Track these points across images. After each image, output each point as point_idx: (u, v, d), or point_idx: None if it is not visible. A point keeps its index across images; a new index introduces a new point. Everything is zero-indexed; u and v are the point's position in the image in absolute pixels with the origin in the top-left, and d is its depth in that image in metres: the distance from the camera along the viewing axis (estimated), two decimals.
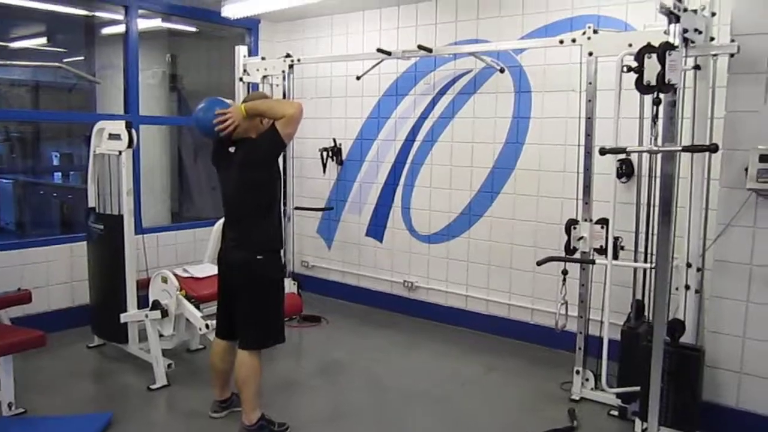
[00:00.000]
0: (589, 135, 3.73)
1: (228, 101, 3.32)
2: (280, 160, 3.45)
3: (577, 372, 3.89)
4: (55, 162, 7.44)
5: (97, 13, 5.76)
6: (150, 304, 4.15)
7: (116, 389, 4.04)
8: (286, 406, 3.77)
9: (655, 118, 2.88)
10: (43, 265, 4.84)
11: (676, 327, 3.24)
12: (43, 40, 6.51)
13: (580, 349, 3.89)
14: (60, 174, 7.61)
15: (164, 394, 3.95)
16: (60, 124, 6.84)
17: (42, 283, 4.81)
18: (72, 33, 6.36)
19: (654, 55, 2.66)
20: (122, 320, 4.19)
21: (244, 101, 3.41)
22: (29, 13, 5.72)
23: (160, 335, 4.13)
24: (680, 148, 2.82)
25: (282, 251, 3.45)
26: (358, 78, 5.43)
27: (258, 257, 3.24)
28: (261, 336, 3.34)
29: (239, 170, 3.24)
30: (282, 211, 3.42)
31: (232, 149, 3.29)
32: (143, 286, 4.32)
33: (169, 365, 4.11)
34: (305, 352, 4.90)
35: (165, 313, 4.06)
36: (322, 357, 4.72)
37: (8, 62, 5.57)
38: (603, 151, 3.14)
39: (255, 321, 3.32)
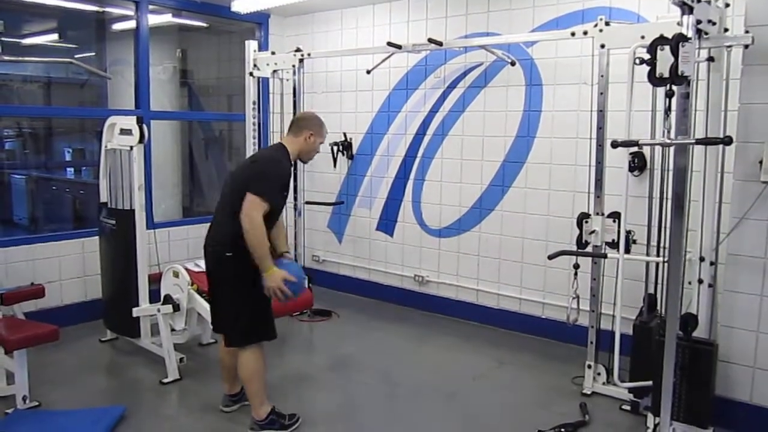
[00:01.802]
0: (600, 128, 3.70)
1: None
2: None
3: (589, 366, 3.88)
4: (68, 157, 7.49)
5: (108, 9, 5.78)
6: (162, 299, 4.17)
7: (129, 383, 4.07)
8: (297, 399, 3.78)
9: (667, 110, 2.85)
10: (55, 260, 4.88)
11: (688, 321, 3.21)
12: (55, 36, 6.55)
13: (591, 343, 3.87)
14: (72, 169, 7.65)
15: (176, 388, 3.97)
16: (72, 119, 6.89)
17: (55, 278, 4.85)
18: (83, 29, 6.38)
19: (667, 47, 2.62)
20: (134, 314, 4.22)
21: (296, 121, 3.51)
22: (41, 10, 5.75)
23: (172, 329, 4.16)
24: (693, 141, 2.79)
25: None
26: (368, 72, 5.41)
27: (227, 254, 3.22)
28: (240, 332, 3.31)
29: (243, 170, 3.30)
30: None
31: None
32: (155, 280, 4.35)
33: (181, 359, 4.13)
34: (316, 346, 4.91)
35: (177, 308, 4.09)
36: (333, 351, 4.73)
37: (21, 58, 5.59)
38: (615, 144, 3.10)
39: (234, 318, 3.31)
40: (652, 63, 2.69)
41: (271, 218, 3.24)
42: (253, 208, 3.08)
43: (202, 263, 4.52)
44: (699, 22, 2.84)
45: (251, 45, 5.51)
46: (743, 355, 3.30)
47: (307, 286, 3.40)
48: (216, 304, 3.44)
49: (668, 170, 3.51)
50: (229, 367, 3.54)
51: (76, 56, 6.34)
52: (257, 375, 3.31)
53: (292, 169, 3.55)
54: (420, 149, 5.48)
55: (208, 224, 3.44)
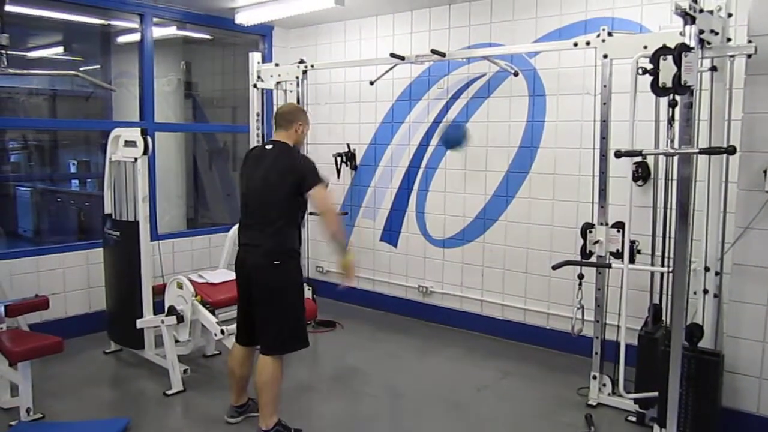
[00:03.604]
0: (604, 138, 3.70)
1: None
2: None
3: (594, 377, 3.86)
4: (72, 169, 7.52)
5: (113, 22, 5.82)
6: (166, 310, 4.17)
7: (133, 395, 4.06)
8: (301, 411, 3.77)
9: (671, 120, 2.85)
10: (60, 272, 4.88)
11: (694, 332, 3.20)
12: (60, 49, 6.60)
13: (596, 354, 3.85)
14: (77, 181, 7.68)
15: (180, 400, 3.96)
16: (77, 131, 6.92)
17: (59, 290, 4.86)
18: (88, 42, 6.43)
19: (670, 57, 2.63)
20: (138, 326, 4.21)
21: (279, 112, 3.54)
22: (46, 23, 5.80)
23: (176, 341, 4.15)
24: (697, 151, 2.79)
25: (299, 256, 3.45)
26: (371, 83, 5.43)
27: (275, 262, 3.25)
28: (283, 341, 3.33)
29: (276, 175, 3.29)
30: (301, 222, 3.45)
31: (269, 147, 3.40)
32: (159, 291, 4.34)
33: (185, 371, 4.13)
34: (320, 358, 4.90)
35: (181, 319, 4.08)
36: (337, 362, 4.71)
37: (26, 71, 5.63)
38: (619, 154, 3.10)
39: (278, 326, 3.31)
40: (655, 73, 2.70)
41: (298, 212, 3.40)
42: (327, 197, 3.29)
43: (207, 274, 4.56)
44: (702, 32, 2.85)
45: (255, 57, 5.54)
46: (750, 365, 3.27)
47: None
48: (253, 314, 3.38)
49: (672, 180, 3.50)
50: (239, 378, 3.53)
51: (81, 69, 6.37)
52: (276, 383, 3.31)
53: None
54: (423, 160, 5.49)
55: (237, 238, 3.46)
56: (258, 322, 3.35)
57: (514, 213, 4.96)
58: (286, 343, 3.35)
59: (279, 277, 3.27)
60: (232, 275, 3.53)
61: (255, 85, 5.51)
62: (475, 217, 5.20)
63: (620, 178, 3.79)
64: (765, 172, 3.10)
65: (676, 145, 2.79)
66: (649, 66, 2.74)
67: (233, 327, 3.64)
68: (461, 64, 5.13)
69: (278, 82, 5.49)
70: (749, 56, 3.14)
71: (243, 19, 5.49)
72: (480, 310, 5.24)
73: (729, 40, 3.28)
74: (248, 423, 3.55)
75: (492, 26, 4.96)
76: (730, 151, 2.81)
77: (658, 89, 2.71)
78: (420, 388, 4.17)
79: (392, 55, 4.70)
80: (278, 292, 3.29)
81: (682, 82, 2.61)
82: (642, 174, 4.13)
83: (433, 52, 4.47)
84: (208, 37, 6.47)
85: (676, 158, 2.85)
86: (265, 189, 3.31)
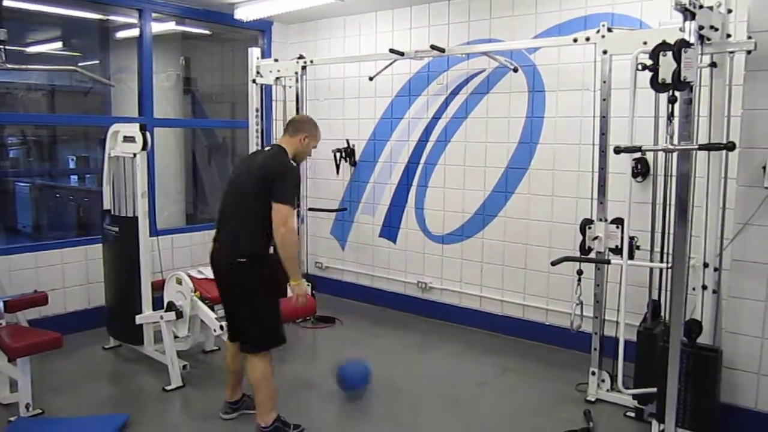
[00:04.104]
0: (603, 134, 3.70)
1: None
2: None
3: (593, 373, 3.87)
4: (71, 165, 7.51)
5: (112, 17, 5.80)
6: (165, 306, 4.17)
7: (132, 390, 4.06)
8: (300, 407, 3.78)
9: (670, 116, 2.85)
10: (59, 267, 4.88)
11: (693, 327, 3.20)
12: (59, 44, 6.57)
13: (595, 349, 3.86)
14: (76, 177, 7.67)
15: (179, 395, 3.96)
16: (76, 127, 6.90)
17: (58, 285, 4.86)
18: (87, 37, 6.41)
19: (669, 53, 2.63)
20: (137, 322, 4.21)
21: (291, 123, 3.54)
22: (45, 18, 5.78)
23: (175, 336, 4.15)
24: (696, 147, 2.79)
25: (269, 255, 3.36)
26: (370, 79, 5.43)
27: (240, 260, 3.22)
28: (256, 339, 3.31)
29: (257, 175, 3.24)
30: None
31: (267, 148, 3.41)
32: (158, 287, 4.34)
33: (184, 366, 4.13)
34: (319, 353, 4.90)
35: (180, 315, 4.09)
36: (336, 358, 4.69)
37: (25, 66, 5.61)
38: (618, 150, 3.10)
39: (250, 325, 3.32)
40: (654, 69, 2.70)
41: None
42: (287, 216, 3.15)
43: (206, 270, 4.55)
44: (701, 27, 2.84)
45: (254, 52, 5.53)
46: (748, 361, 3.28)
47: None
48: (232, 312, 3.42)
49: (671, 176, 3.50)
50: (235, 373, 3.54)
51: (80, 64, 6.36)
52: (266, 381, 3.30)
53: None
54: (423, 156, 5.49)
55: (214, 232, 3.42)
56: (235, 320, 3.40)
57: (514, 209, 4.96)
58: (260, 341, 3.31)
59: (248, 278, 3.25)
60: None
61: (254, 81, 5.51)
62: (475, 213, 5.20)
63: (619, 174, 3.79)
64: (764, 168, 3.10)
65: (675, 141, 2.78)
66: (649, 62, 2.73)
67: None
68: (461, 59, 5.12)
69: (277, 78, 5.49)
70: (749, 52, 3.13)
71: (242, 14, 5.47)
72: (479, 305, 5.25)
73: (729, 36, 3.27)
74: (243, 420, 3.55)
75: (491, 22, 4.95)
76: (730, 147, 2.81)
77: (657, 85, 2.71)
78: (419, 383, 4.17)
79: (391, 50, 4.70)
80: (247, 292, 3.27)
81: (682, 78, 2.60)
82: (641, 170, 4.13)
83: (433, 47, 4.46)
84: (207, 32, 6.45)
85: (675, 154, 2.85)
86: (243, 187, 3.29)
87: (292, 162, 3.35)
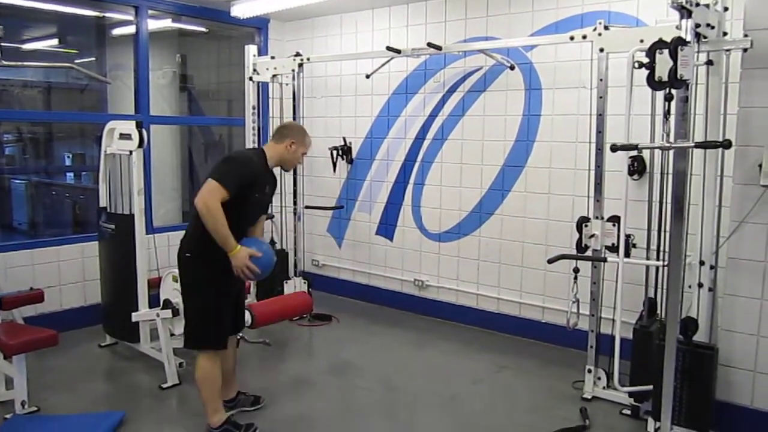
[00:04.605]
0: (600, 132, 3.70)
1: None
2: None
3: (589, 371, 3.87)
4: (67, 162, 7.50)
5: (108, 14, 5.79)
6: (161, 303, 4.16)
7: (128, 388, 4.06)
8: (296, 403, 3.78)
9: (667, 114, 2.86)
10: (55, 265, 4.87)
11: (689, 325, 3.21)
12: (55, 41, 6.56)
13: (591, 347, 3.86)
14: (72, 174, 7.66)
15: (176, 393, 3.96)
16: (72, 124, 6.88)
17: (54, 283, 4.85)
18: (83, 34, 6.40)
19: (666, 51, 2.62)
20: (134, 319, 4.21)
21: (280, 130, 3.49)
22: (41, 15, 5.77)
23: (172, 334, 4.15)
24: (693, 145, 2.79)
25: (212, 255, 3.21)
26: (367, 76, 5.42)
27: (186, 254, 3.22)
28: (188, 336, 3.32)
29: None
30: (244, 219, 3.28)
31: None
32: (154, 285, 4.34)
33: (180, 364, 4.12)
34: (316, 351, 4.90)
35: (176, 312, 4.08)
36: (333, 355, 4.72)
37: (21, 63, 5.60)
38: (614, 148, 3.10)
39: (186, 320, 3.34)
40: (651, 67, 2.69)
41: (243, 216, 3.20)
42: (208, 191, 3.01)
43: None
44: (698, 25, 2.84)
45: (251, 50, 5.52)
46: (744, 359, 3.29)
47: (274, 261, 3.32)
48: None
49: (668, 174, 3.51)
50: (226, 370, 3.53)
51: (76, 61, 6.34)
52: (208, 382, 3.28)
53: (273, 174, 3.48)
54: (419, 153, 5.49)
55: None
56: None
57: (510, 207, 4.96)
58: (191, 339, 3.31)
59: (188, 273, 3.25)
60: None
61: (251, 78, 5.50)
62: (471, 211, 5.20)
63: (616, 172, 3.79)
64: (760, 166, 3.11)
65: (671, 139, 2.79)
66: (645, 60, 2.73)
67: None
68: (457, 57, 5.12)
69: (274, 75, 5.48)
70: (745, 50, 3.14)
71: (239, 11, 5.46)
72: (475, 303, 5.25)
73: (725, 34, 3.27)
74: (240, 417, 3.54)
75: (488, 19, 4.95)
76: (726, 145, 2.80)
77: (654, 83, 2.71)
78: (415, 381, 4.18)
79: (388, 48, 4.69)
80: (186, 287, 3.30)
81: (678, 76, 2.60)
82: (637, 168, 4.14)
83: (430, 45, 4.46)
84: (204, 29, 6.44)
85: (671, 152, 2.86)
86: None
87: (256, 160, 3.26)
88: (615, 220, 3.63)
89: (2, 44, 4.00)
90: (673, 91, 2.72)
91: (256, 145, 5.50)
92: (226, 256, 3.07)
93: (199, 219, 3.07)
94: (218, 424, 3.31)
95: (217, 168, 3.14)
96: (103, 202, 4.53)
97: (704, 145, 3.04)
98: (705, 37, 3.06)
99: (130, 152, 4.15)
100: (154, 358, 4.24)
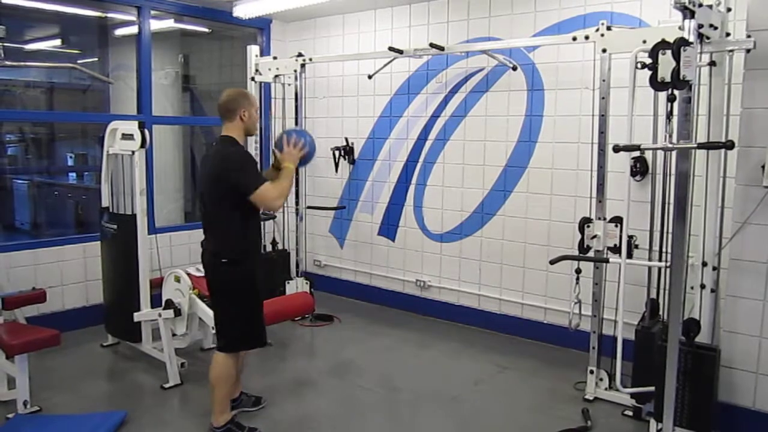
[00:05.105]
0: (602, 132, 3.70)
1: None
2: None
3: (591, 372, 3.87)
4: (70, 162, 7.50)
5: (110, 15, 5.79)
6: (163, 303, 4.17)
7: (130, 388, 4.06)
8: (298, 404, 3.78)
9: (669, 115, 2.85)
10: (57, 265, 4.88)
11: (691, 326, 3.20)
12: (58, 41, 6.56)
13: (594, 348, 3.86)
14: (74, 174, 7.66)
15: (177, 393, 3.96)
16: (74, 124, 6.90)
17: (56, 283, 4.85)
18: (86, 34, 6.40)
19: (668, 52, 2.62)
20: (136, 319, 4.21)
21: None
22: (44, 15, 5.77)
23: (173, 334, 4.16)
24: (695, 146, 2.79)
25: (253, 258, 3.37)
26: (369, 77, 5.42)
27: (222, 261, 3.23)
28: (229, 340, 3.33)
29: (210, 172, 3.21)
30: (256, 218, 3.37)
31: (214, 143, 3.29)
32: (156, 285, 4.35)
33: (182, 364, 4.12)
34: (317, 351, 4.90)
35: (178, 312, 4.09)
36: (335, 356, 4.72)
37: (23, 63, 5.61)
38: (617, 149, 3.10)
39: (226, 325, 3.33)
40: (653, 67, 2.69)
41: (245, 211, 3.23)
42: (268, 196, 3.11)
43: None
44: (701, 26, 2.84)
45: (253, 50, 5.53)
46: (746, 360, 3.28)
47: (309, 139, 3.46)
48: (214, 310, 3.44)
49: (670, 175, 3.51)
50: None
51: (79, 61, 6.35)
52: (223, 381, 3.30)
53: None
54: (422, 154, 5.48)
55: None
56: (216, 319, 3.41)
57: (512, 207, 4.96)
58: (232, 343, 3.33)
59: (225, 279, 3.27)
60: None
61: (253, 79, 5.50)
62: (473, 212, 5.19)
63: (618, 172, 3.79)
64: (763, 167, 3.10)
65: (674, 139, 2.78)
66: (648, 60, 2.73)
67: None
68: (460, 58, 5.11)
69: (276, 76, 5.48)
70: (748, 51, 3.13)
71: (241, 12, 5.46)
72: (477, 304, 5.25)
73: (728, 34, 3.26)
74: (241, 417, 3.54)
75: (491, 20, 4.95)
76: (729, 146, 2.80)
77: (656, 84, 2.71)
78: (417, 381, 4.17)
79: (391, 48, 4.69)
80: (223, 293, 3.29)
81: (681, 77, 2.60)
82: (640, 169, 4.13)
83: (432, 45, 4.46)
84: (206, 30, 6.44)
85: (674, 153, 2.85)
86: (208, 193, 3.28)
87: (235, 148, 3.23)
88: (617, 221, 3.63)
89: (5, 44, 4.01)
90: (676, 92, 2.71)
91: (258, 145, 5.50)
92: (257, 258, 3.31)
93: (231, 224, 3.17)
94: (222, 423, 3.32)
95: (242, 176, 3.12)
96: (105, 202, 4.53)
97: (707, 146, 3.04)
98: (708, 38, 3.06)
99: (133, 152, 4.15)
100: (155, 358, 4.24)
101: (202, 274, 4.41)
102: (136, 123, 4.15)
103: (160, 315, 4.10)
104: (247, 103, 3.28)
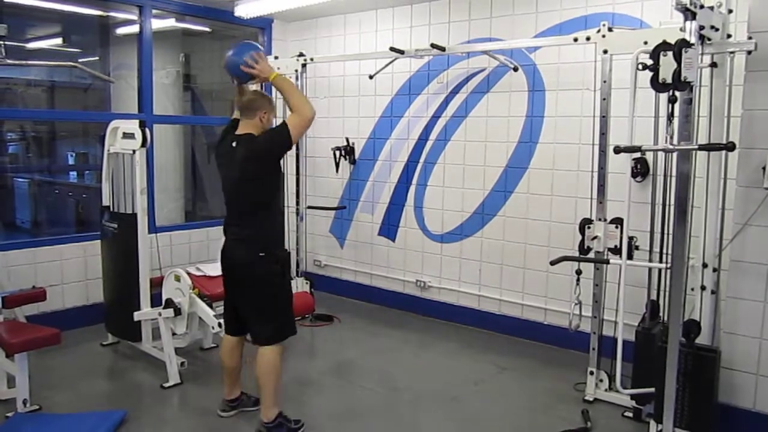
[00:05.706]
0: (603, 134, 3.70)
1: (260, 47, 3.47)
2: (288, 159, 3.46)
3: (591, 373, 3.87)
4: (71, 161, 7.51)
5: (112, 14, 5.80)
6: (163, 303, 4.17)
7: (130, 387, 4.06)
8: (299, 404, 3.77)
9: (670, 116, 2.84)
10: (57, 264, 4.88)
11: (691, 328, 3.20)
12: (59, 40, 6.57)
13: (594, 349, 3.86)
14: (75, 173, 7.67)
15: (177, 392, 3.96)
16: (75, 123, 6.90)
17: (56, 281, 4.85)
18: (87, 33, 6.41)
19: (670, 53, 2.62)
20: (136, 318, 4.21)
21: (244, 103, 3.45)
22: (45, 14, 5.78)
23: (173, 333, 4.15)
24: (696, 147, 2.78)
25: (284, 247, 3.51)
26: (371, 77, 5.42)
27: (260, 254, 3.25)
28: (273, 331, 3.34)
29: (240, 166, 3.23)
30: (283, 207, 3.44)
31: (234, 143, 3.29)
32: (157, 284, 4.35)
33: (182, 363, 4.12)
34: (318, 351, 4.90)
35: (178, 312, 4.09)
36: (335, 356, 4.72)
37: (25, 62, 5.61)
38: (618, 150, 3.09)
39: (265, 317, 3.33)
40: (654, 69, 2.69)
41: (275, 201, 3.38)
42: (299, 117, 3.30)
43: (205, 267, 4.56)
44: (702, 27, 2.84)
45: None
46: (746, 361, 3.28)
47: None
48: (241, 306, 3.41)
49: (671, 176, 3.51)
50: (230, 369, 3.54)
51: (80, 60, 6.35)
52: (277, 372, 3.34)
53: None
54: (422, 154, 5.48)
55: (223, 227, 3.44)
56: (247, 314, 3.38)
57: (513, 208, 4.96)
58: (277, 332, 3.36)
59: (268, 269, 3.29)
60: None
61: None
62: (474, 212, 5.19)
63: (619, 174, 3.79)
64: (764, 168, 3.10)
65: (675, 141, 2.78)
66: (649, 62, 2.73)
67: None
68: (461, 58, 5.12)
69: None
70: (749, 53, 3.13)
71: (242, 11, 5.46)
72: (477, 305, 5.25)
73: (729, 36, 3.27)
74: (242, 417, 3.55)
75: (492, 21, 4.95)
76: (729, 147, 2.80)
77: (657, 85, 2.71)
78: (417, 382, 4.17)
79: (392, 49, 4.69)
80: (268, 284, 3.31)
81: (682, 78, 2.60)
82: (641, 170, 4.13)
83: (433, 46, 4.46)
84: (207, 29, 6.44)
85: (675, 154, 2.85)
86: (239, 186, 3.29)
87: (259, 136, 3.31)
88: (618, 222, 3.63)
89: (6, 43, 4.01)
90: (677, 93, 2.71)
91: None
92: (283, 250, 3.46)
93: (257, 219, 3.29)
94: (273, 417, 3.34)
95: (274, 134, 3.30)
96: (105, 201, 4.53)
97: (708, 148, 3.04)
98: (709, 39, 3.06)
99: (133, 151, 4.15)
100: (155, 358, 4.24)
101: (203, 273, 4.45)
102: (137, 122, 4.15)
103: (160, 314, 4.10)
104: (269, 107, 3.45)
